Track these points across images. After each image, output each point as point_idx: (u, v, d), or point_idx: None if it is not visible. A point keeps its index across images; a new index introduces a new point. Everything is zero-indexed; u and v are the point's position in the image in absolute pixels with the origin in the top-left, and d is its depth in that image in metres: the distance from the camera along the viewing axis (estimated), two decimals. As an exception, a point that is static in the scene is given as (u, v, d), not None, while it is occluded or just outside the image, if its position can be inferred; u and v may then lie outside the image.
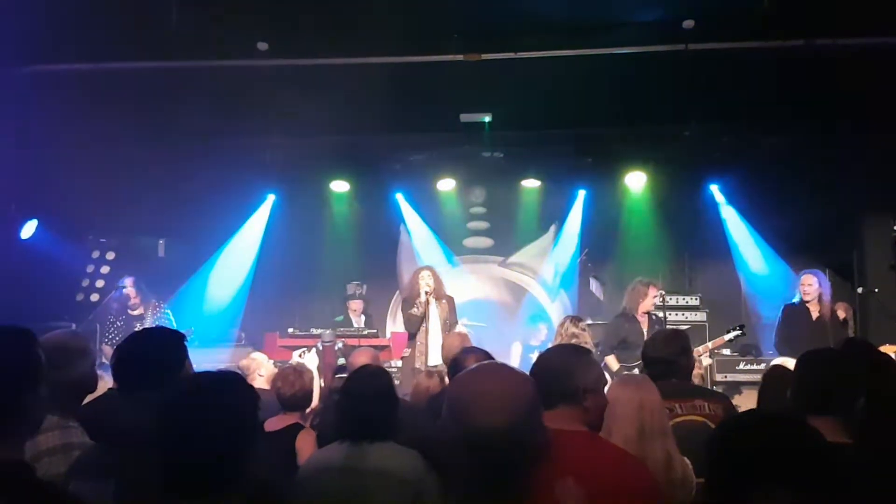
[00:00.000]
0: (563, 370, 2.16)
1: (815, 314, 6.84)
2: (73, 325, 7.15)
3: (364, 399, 2.96)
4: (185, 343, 2.55)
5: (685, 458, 2.98)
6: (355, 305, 8.11)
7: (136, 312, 7.38)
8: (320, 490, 2.78)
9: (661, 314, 6.97)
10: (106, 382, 3.90)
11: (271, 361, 5.59)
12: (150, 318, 7.31)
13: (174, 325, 7.33)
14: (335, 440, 2.98)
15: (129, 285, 7.37)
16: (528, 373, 2.07)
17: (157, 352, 2.49)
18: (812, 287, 6.82)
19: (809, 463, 1.55)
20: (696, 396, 3.48)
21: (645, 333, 6.44)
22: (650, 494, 1.95)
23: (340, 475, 2.77)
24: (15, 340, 1.80)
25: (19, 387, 1.74)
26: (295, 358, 6.33)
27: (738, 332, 6.63)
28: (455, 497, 1.71)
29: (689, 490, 2.94)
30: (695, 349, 6.70)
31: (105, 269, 8.21)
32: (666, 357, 3.59)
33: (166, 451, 1.73)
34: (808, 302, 6.84)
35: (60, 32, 6.37)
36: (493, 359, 3.24)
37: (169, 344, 2.53)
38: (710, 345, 6.82)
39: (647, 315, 6.78)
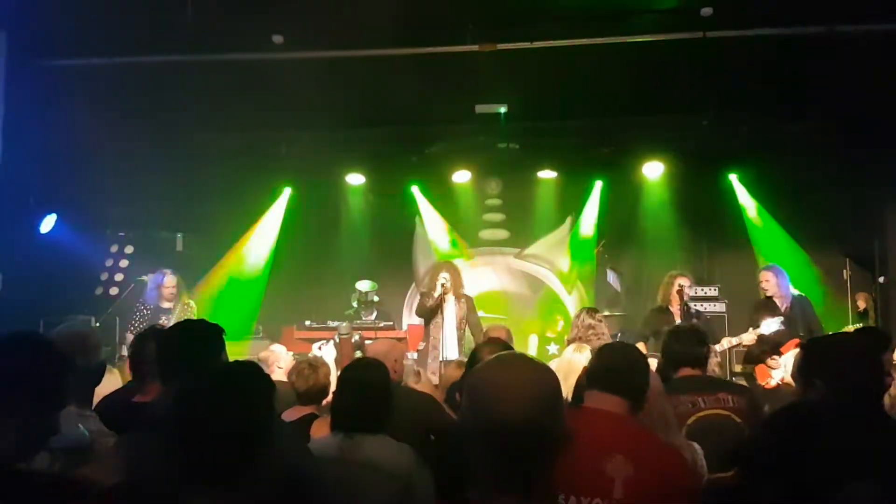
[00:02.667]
0: (639, 368, 2.43)
1: (782, 307, 6.89)
2: (93, 319, 7.21)
3: (357, 391, 2.94)
4: (223, 336, 2.58)
5: (693, 444, 2.94)
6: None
7: (166, 305, 7.40)
8: None
9: (695, 307, 6.93)
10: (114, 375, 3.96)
11: (290, 354, 5.60)
12: (178, 309, 7.34)
13: (196, 316, 7.37)
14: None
15: (170, 274, 7.35)
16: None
17: (196, 343, 2.53)
18: (770, 283, 6.95)
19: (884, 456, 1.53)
20: (719, 390, 3.47)
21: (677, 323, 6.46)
22: (688, 479, 2.00)
23: (331, 467, 2.75)
24: (32, 352, 1.86)
25: (20, 395, 1.79)
26: (314, 351, 6.35)
27: (778, 324, 6.60)
28: (474, 488, 1.69)
29: (700, 476, 2.91)
30: (728, 339, 6.69)
31: (124, 263, 8.27)
32: (696, 354, 3.62)
33: (182, 439, 1.73)
34: (772, 297, 6.93)
35: (76, 27, 6.39)
36: (512, 350, 3.22)
37: (207, 336, 2.57)
38: (743, 339, 6.71)
39: (681, 307, 6.76)
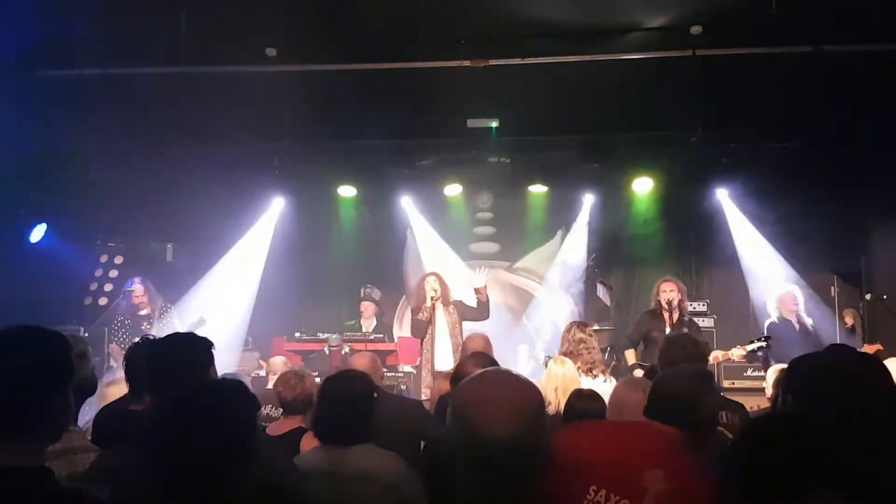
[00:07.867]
0: (702, 400, 2.29)
1: (797, 326, 7.09)
2: (82, 329, 7.19)
3: (335, 403, 2.93)
4: (212, 350, 2.58)
5: None
6: (364, 308, 7.96)
7: (143, 312, 7.42)
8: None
9: (688, 316, 6.92)
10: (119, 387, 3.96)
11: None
12: (157, 318, 7.35)
13: (178, 326, 7.36)
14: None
15: (137, 283, 7.42)
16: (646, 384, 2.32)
17: (184, 356, 2.53)
18: (790, 302, 7.20)
19: (860, 463, 1.54)
20: None
21: (667, 330, 6.41)
22: None
23: (324, 480, 2.74)
24: (44, 342, 1.78)
25: (45, 390, 1.72)
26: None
27: (763, 343, 6.60)
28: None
29: None
30: (713, 354, 6.68)
31: (113, 274, 8.26)
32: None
33: (158, 458, 1.71)
34: (787, 317, 7.15)
35: (70, 38, 6.41)
36: (497, 365, 3.23)
37: (196, 349, 2.57)
38: (732, 354, 6.69)
39: (671, 313, 6.71)
